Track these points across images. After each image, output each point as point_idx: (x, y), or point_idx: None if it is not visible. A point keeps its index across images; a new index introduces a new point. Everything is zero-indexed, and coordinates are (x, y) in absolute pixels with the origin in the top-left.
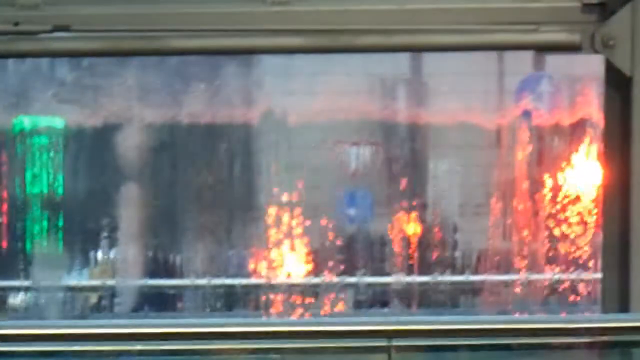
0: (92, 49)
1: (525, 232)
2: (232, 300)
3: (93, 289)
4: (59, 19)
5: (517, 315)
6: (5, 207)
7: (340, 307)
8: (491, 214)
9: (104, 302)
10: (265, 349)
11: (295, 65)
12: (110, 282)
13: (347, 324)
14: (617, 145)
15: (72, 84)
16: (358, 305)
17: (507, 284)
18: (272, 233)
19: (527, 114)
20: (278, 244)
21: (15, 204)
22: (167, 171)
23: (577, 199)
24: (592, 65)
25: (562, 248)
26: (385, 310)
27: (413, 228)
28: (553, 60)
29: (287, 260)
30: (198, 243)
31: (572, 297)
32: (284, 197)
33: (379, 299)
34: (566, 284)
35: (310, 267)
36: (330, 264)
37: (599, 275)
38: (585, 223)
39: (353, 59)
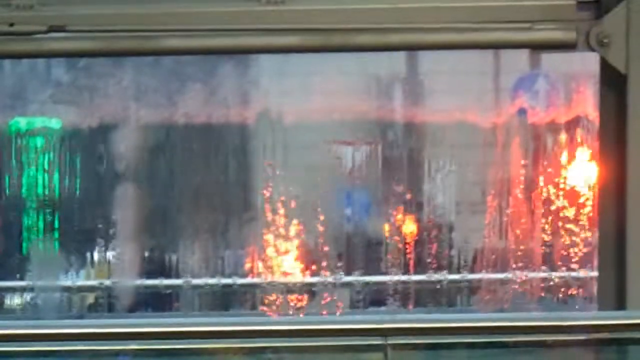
0: (88, 49)
1: (521, 231)
2: (228, 299)
3: (89, 289)
4: (54, 20)
5: (513, 313)
6: (1, 207)
7: (336, 306)
8: (487, 213)
9: (101, 302)
10: (262, 348)
11: (290, 64)
12: (106, 282)
13: (343, 322)
14: (612, 143)
15: (68, 84)
16: (354, 304)
17: (503, 282)
18: (269, 232)
19: (522, 112)
20: (274, 243)
21: (11, 205)
22: (164, 171)
23: (573, 196)
24: (588, 63)
25: (558, 246)
26: (382, 308)
27: (409, 227)
28: (549, 59)
29: (283, 260)
30: (194, 243)
31: (568, 295)
32: (280, 197)
33: (375, 297)
34: (562, 282)
35: (306, 266)
36: (327, 263)
37: (595, 273)
38: (581, 221)
39: (349, 58)
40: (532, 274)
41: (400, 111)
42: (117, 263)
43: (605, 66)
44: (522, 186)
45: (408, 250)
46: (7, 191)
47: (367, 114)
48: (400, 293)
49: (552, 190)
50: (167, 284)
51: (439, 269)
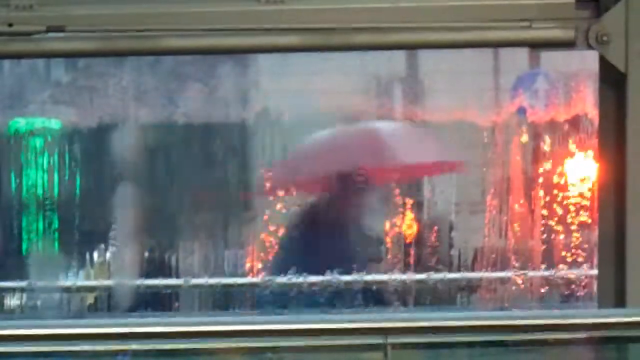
0: (87, 49)
1: (521, 229)
2: (228, 299)
3: (89, 289)
4: (54, 20)
5: (513, 312)
6: (0, 208)
7: (337, 305)
8: (487, 212)
9: (100, 302)
10: (261, 348)
11: (290, 64)
12: (106, 282)
13: (343, 321)
14: (612, 141)
15: (67, 85)
16: (354, 303)
17: (503, 281)
18: (269, 232)
19: (522, 111)
20: (274, 242)
21: (10, 206)
22: (163, 171)
23: (573, 195)
24: (587, 61)
25: (558, 245)
26: (382, 307)
27: (409, 226)
28: (549, 57)
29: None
30: (194, 243)
31: (568, 294)
32: (280, 196)
33: (375, 297)
34: (562, 281)
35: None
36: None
37: (594, 272)
38: (581, 219)
39: (349, 57)
40: (532, 273)
41: (400, 110)
42: (116, 263)
43: (604, 64)
44: (522, 185)
45: (408, 249)
46: (6, 191)
47: (368, 114)
48: (400, 292)
49: (551, 189)
50: (167, 283)
51: (438, 268)
